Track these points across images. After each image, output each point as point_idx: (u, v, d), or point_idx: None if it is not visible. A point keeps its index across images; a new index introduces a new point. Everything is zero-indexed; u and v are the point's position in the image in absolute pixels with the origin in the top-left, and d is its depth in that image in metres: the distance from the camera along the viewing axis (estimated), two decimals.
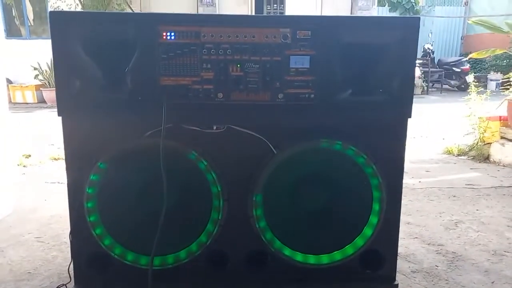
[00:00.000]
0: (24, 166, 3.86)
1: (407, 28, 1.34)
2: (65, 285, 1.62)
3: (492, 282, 1.84)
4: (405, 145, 1.46)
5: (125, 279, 1.45)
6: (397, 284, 1.54)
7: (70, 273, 1.49)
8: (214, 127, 1.40)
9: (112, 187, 1.41)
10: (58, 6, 9.14)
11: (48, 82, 9.07)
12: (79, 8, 9.18)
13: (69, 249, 2.01)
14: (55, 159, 4.12)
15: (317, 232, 1.50)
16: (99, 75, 1.35)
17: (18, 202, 2.77)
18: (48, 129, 5.97)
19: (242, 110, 1.39)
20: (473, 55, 4.32)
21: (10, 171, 2.81)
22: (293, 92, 1.38)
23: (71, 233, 1.45)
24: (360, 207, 1.48)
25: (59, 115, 1.37)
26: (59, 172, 3.60)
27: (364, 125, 1.42)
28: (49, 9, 9.65)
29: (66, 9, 9.16)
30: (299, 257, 1.49)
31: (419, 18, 1.40)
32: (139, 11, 9.03)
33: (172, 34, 1.33)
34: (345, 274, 1.52)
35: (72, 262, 1.46)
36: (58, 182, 3.34)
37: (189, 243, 1.46)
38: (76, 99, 1.35)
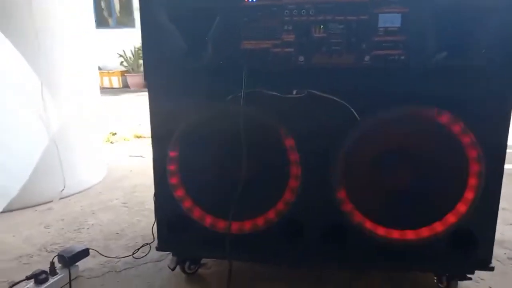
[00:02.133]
0: (111, 142, 4.16)
1: None
2: (149, 244, 1.71)
3: None
4: (510, 114, 1.28)
5: (204, 241, 1.48)
6: (493, 267, 1.39)
7: (153, 233, 1.56)
8: (294, 92, 1.35)
9: (193, 151, 1.43)
10: None
11: (132, 68, 9.68)
12: None
13: (152, 214, 2.13)
14: (138, 137, 4.39)
15: (403, 205, 1.39)
16: (183, 41, 1.36)
17: (106, 172, 2.99)
18: (131, 110, 6.39)
19: (324, 74, 1.32)
20: None
21: (99, 146, 3.05)
22: (381, 54, 1.27)
23: (155, 195, 1.51)
24: (455, 181, 1.34)
25: (145, 80, 1.42)
26: (142, 148, 3.83)
27: (462, 92, 1.27)
28: (134, 0, 10.20)
29: None
30: (381, 231, 1.40)
31: None
32: None
33: None
34: (433, 253, 1.39)
35: (155, 223, 1.52)
36: (141, 156, 3.56)
37: (267, 210, 1.44)
38: (162, 65, 1.39)
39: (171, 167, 1.45)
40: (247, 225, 1.46)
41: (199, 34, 1.36)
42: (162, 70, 1.41)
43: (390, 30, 1.26)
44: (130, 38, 9.65)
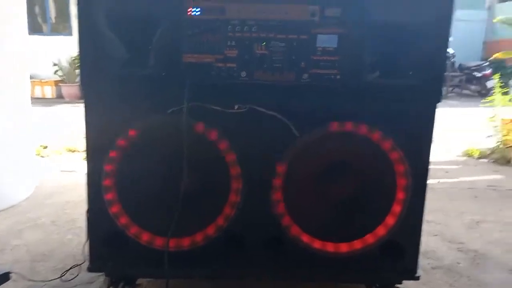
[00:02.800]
0: (41, 156, 3.89)
1: (441, 7, 1.29)
2: (80, 265, 1.61)
3: None
4: (433, 132, 1.40)
5: (140, 260, 1.42)
6: (419, 276, 1.48)
7: (84, 253, 1.47)
8: (236, 107, 1.37)
9: (131, 165, 1.38)
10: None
11: (67, 78, 9.20)
12: None
13: (83, 233, 2.02)
14: (71, 151, 4.17)
15: (337, 219, 1.45)
16: (123, 49, 1.33)
17: (34, 188, 2.79)
18: (65, 122, 6.04)
19: (265, 90, 1.35)
20: (498, 55, 4.20)
21: (28, 160, 2.84)
22: (319, 73, 1.34)
23: (87, 211, 1.43)
24: (383, 195, 1.43)
25: (81, 87, 1.36)
26: (75, 163, 3.64)
27: (392, 109, 1.36)
28: (71, 6, 9.78)
29: None
30: (317, 244, 1.44)
31: None
32: None
33: (198, 9, 1.30)
34: (364, 264, 1.46)
35: (87, 242, 1.44)
36: (74, 171, 3.37)
37: (206, 225, 1.42)
38: (100, 72, 1.34)
39: (107, 182, 1.39)
40: (186, 242, 1.43)
41: (140, 44, 1.34)
42: (100, 79, 1.35)
43: (327, 50, 1.32)
44: (66, 47, 9.21)
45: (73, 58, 9.28)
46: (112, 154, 1.37)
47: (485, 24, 12.86)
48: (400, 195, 1.42)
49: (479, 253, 2.04)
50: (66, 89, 9.13)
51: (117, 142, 1.36)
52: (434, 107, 1.37)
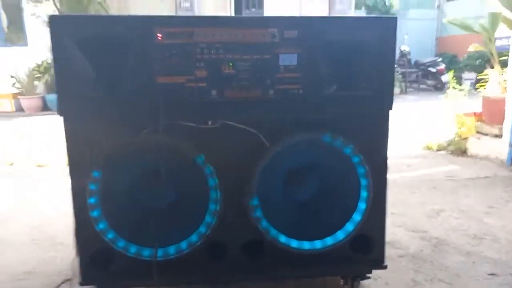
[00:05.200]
0: (9, 173, 3.83)
1: (386, 27, 1.45)
2: (69, 280, 1.67)
3: (473, 262, 1.98)
4: (388, 135, 1.56)
5: (130, 271, 1.50)
6: (386, 265, 1.64)
7: (74, 269, 1.53)
8: (209, 123, 1.48)
9: (113, 183, 1.46)
10: (34, 13, 9.01)
11: (26, 90, 8.95)
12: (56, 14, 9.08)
13: (66, 249, 2.07)
14: (39, 166, 4.11)
15: (310, 219, 1.59)
16: (97, 75, 1.41)
17: (6, 208, 2.77)
18: (28, 136, 5.91)
19: (235, 106, 1.47)
20: (473, 48, 4.54)
21: None
22: (283, 88, 1.47)
23: (74, 229, 1.50)
24: (349, 195, 1.58)
25: (60, 115, 1.43)
26: (46, 178, 3.61)
27: (350, 117, 1.51)
28: (25, 16, 9.51)
29: (42, 15, 9.03)
30: (294, 243, 1.57)
31: (397, 17, 1.51)
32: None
33: (166, 35, 1.40)
34: (337, 258, 1.60)
35: (75, 258, 1.50)
36: (45, 188, 3.36)
37: (189, 234, 1.52)
38: (76, 99, 1.41)
39: (91, 200, 1.46)
40: (172, 250, 1.52)
41: (114, 67, 1.42)
42: (76, 103, 1.42)
43: (289, 68, 1.46)
44: (22, 58, 8.95)
45: (31, 70, 9.05)
46: (95, 174, 1.44)
47: (436, 22, 13.54)
48: (364, 194, 1.57)
49: (440, 239, 2.23)
50: (26, 102, 8.87)
51: (98, 163, 1.43)
52: (388, 113, 1.53)
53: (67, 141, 1.44)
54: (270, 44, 1.44)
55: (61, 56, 1.38)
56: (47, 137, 5.95)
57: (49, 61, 9.41)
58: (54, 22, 1.37)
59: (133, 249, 1.50)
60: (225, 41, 1.43)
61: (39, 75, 9.26)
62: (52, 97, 9.07)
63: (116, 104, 1.43)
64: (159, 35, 1.41)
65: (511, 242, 2.17)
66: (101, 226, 1.47)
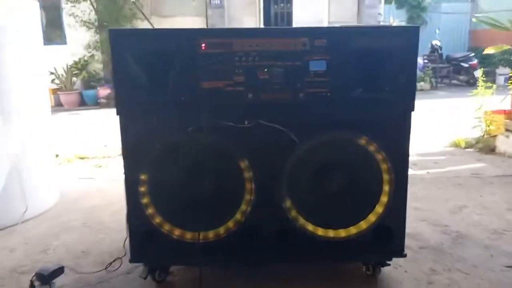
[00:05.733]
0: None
1: (408, 35, 1.59)
2: (121, 258, 1.90)
3: (491, 255, 2.08)
4: (409, 134, 1.69)
5: (174, 251, 1.72)
6: (406, 254, 1.78)
7: (125, 247, 1.76)
8: (246, 122, 1.66)
9: (161, 175, 1.68)
10: (73, 13, 9.47)
11: (65, 85, 9.44)
12: (92, 14, 9.51)
13: (113, 233, 2.32)
14: (81, 158, 4.43)
15: (336, 210, 1.75)
16: (150, 82, 1.62)
17: (59, 195, 3.07)
18: (70, 130, 6.31)
19: (269, 107, 1.65)
20: (489, 49, 4.49)
21: (53, 168, 3.12)
22: (312, 91, 1.63)
23: (127, 213, 1.72)
24: (373, 189, 1.73)
25: (117, 114, 1.65)
26: (88, 169, 3.91)
27: (374, 118, 1.66)
28: (64, 15, 9.98)
29: (80, 15, 9.48)
30: (320, 231, 1.74)
31: (419, 27, 1.64)
32: (150, 15, 9.36)
33: (209, 45, 1.59)
34: (360, 246, 1.76)
35: (127, 238, 1.73)
36: (91, 178, 3.65)
37: (227, 220, 1.72)
38: (132, 101, 1.63)
39: (142, 189, 1.68)
40: (211, 234, 1.72)
41: (164, 74, 1.63)
42: (132, 106, 1.64)
43: (318, 73, 1.62)
44: (60, 55, 9.43)
45: (70, 66, 9.54)
46: (146, 166, 1.66)
47: (469, 15, 13.18)
48: (386, 188, 1.72)
49: (460, 234, 2.34)
50: (65, 97, 9.36)
51: (149, 156, 1.65)
52: (409, 115, 1.67)
53: (122, 137, 1.67)
54: (301, 52, 1.60)
55: (119, 64, 1.60)
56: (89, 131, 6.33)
57: (86, 58, 9.92)
58: (113, 35, 1.58)
59: (177, 232, 1.71)
60: (260, 50, 1.60)
61: (76, 71, 9.77)
62: (89, 93, 9.57)
63: (165, 106, 1.64)
64: (203, 45, 1.60)
65: None
66: (150, 211, 1.69)
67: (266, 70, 1.62)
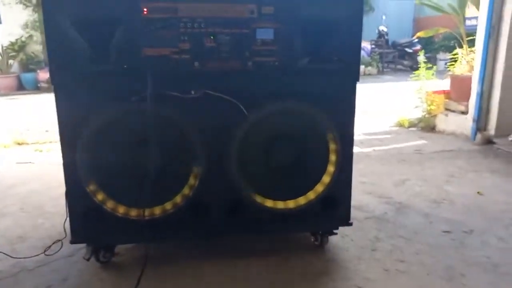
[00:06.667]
0: None
1: (354, 4, 1.60)
2: (61, 240, 1.79)
3: (430, 222, 2.20)
4: (355, 104, 1.72)
5: (117, 230, 1.64)
6: (351, 223, 1.83)
7: (65, 229, 1.65)
8: (193, 92, 1.60)
9: (103, 148, 1.58)
10: None
11: (0, 69, 8.77)
12: None
13: (54, 217, 2.19)
14: (19, 143, 4.15)
15: (284, 181, 1.75)
16: (89, 48, 1.50)
17: None
18: (7, 116, 5.88)
19: (216, 76, 1.60)
20: (420, 34, 4.70)
21: None
22: (260, 60, 1.60)
23: (66, 192, 1.61)
24: (319, 159, 1.74)
25: (51, 83, 1.52)
26: (28, 154, 3.67)
27: (321, 87, 1.66)
28: None
29: None
30: (269, 203, 1.73)
31: None
32: None
33: (152, 10, 1.51)
34: (308, 216, 1.78)
35: (67, 219, 1.63)
36: (30, 162, 3.42)
37: (174, 195, 1.66)
38: (67, 70, 1.51)
39: (82, 163, 1.58)
40: (157, 211, 1.66)
41: (103, 42, 1.52)
42: (67, 75, 1.52)
43: (266, 41, 1.59)
44: None
45: (5, 48, 8.85)
46: (85, 139, 1.55)
47: (413, 3, 13.76)
48: (333, 158, 1.74)
49: (402, 204, 2.45)
50: (0, 81, 8.72)
51: (89, 129, 1.55)
52: (355, 84, 1.69)
53: (57, 108, 1.55)
54: (249, 19, 1.56)
55: (52, 30, 1.47)
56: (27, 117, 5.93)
57: (24, 39, 9.22)
58: None
59: (121, 210, 1.63)
60: (207, 16, 1.54)
61: (13, 53, 9.07)
62: (27, 76, 8.94)
63: (106, 74, 1.53)
64: (145, 9, 1.51)
65: (466, 206, 2.40)
66: (91, 188, 1.59)
67: (212, 37, 1.57)
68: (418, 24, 13.73)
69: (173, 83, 1.58)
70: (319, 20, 1.60)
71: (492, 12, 3.67)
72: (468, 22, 4.71)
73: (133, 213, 1.65)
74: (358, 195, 2.52)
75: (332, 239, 1.93)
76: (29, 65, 9.18)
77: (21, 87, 8.92)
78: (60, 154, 1.57)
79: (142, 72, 1.53)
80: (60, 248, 1.81)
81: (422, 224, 2.17)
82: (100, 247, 1.72)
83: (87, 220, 1.62)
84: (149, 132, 1.55)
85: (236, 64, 1.59)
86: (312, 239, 1.93)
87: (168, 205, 1.67)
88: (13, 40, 9.09)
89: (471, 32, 4.45)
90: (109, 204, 1.63)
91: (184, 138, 1.63)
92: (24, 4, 8.98)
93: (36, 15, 9.06)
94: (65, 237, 1.76)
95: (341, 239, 1.99)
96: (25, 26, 9.22)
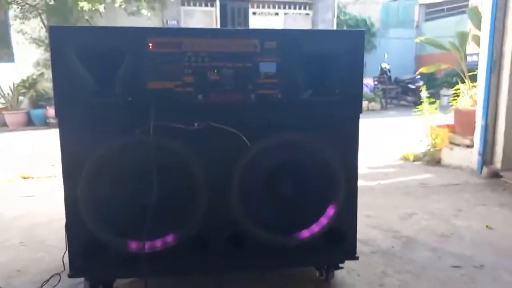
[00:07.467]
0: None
1: (355, 39, 1.64)
2: (59, 274, 1.75)
3: (439, 257, 2.13)
4: (358, 135, 1.72)
5: (118, 263, 1.61)
6: (358, 257, 1.78)
7: (64, 262, 1.62)
8: (196, 124, 1.62)
9: (105, 179, 1.58)
10: (21, 30, 9.12)
11: (11, 105, 8.96)
12: (43, 31, 9.20)
13: (55, 251, 2.16)
14: (25, 178, 4.17)
15: (287, 214, 1.72)
16: (94, 81, 1.54)
17: None
18: (14, 151, 5.94)
19: (219, 109, 1.62)
20: (422, 70, 4.78)
21: None
22: (263, 93, 1.63)
23: (66, 224, 1.60)
24: (323, 190, 1.72)
25: (56, 116, 1.55)
26: (32, 188, 3.68)
27: (324, 119, 1.67)
28: (12, 33, 9.59)
29: (30, 32, 9.17)
30: (272, 236, 1.69)
31: (364, 31, 1.70)
32: None
33: (157, 44, 1.55)
34: (313, 250, 1.74)
35: (66, 252, 1.60)
36: (34, 196, 3.42)
37: (176, 228, 1.64)
38: (72, 103, 1.54)
39: (83, 195, 1.57)
40: (158, 243, 1.63)
41: (109, 75, 1.56)
42: (72, 108, 1.55)
43: (269, 75, 1.62)
44: (7, 73, 9.00)
45: (16, 85, 9.08)
46: (87, 171, 1.55)
47: (415, 41, 14.11)
48: (337, 190, 1.72)
49: (409, 238, 2.39)
50: (10, 117, 8.89)
51: (91, 161, 1.55)
52: (358, 116, 1.70)
53: (61, 140, 1.56)
54: (252, 53, 1.60)
55: (59, 63, 1.52)
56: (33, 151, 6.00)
57: (35, 76, 9.49)
58: (53, 32, 1.50)
59: (121, 243, 1.61)
60: (210, 50, 1.58)
61: (24, 90, 9.31)
62: (37, 112, 9.12)
63: (110, 106, 1.56)
64: (151, 44, 1.56)
65: (475, 240, 2.34)
66: (91, 220, 1.58)
67: (216, 71, 1.60)
68: (420, 61, 13.99)
69: (177, 116, 1.59)
70: (321, 54, 1.64)
71: (493, 48, 3.74)
72: (469, 59, 4.79)
73: (134, 246, 1.62)
74: (364, 229, 2.47)
75: (338, 273, 1.88)
76: (38, 101, 9.38)
77: (30, 123, 9.06)
78: (62, 186, 1.57)
79: (146, 104, 1.56)
80: (58, 282, 1.77)
81: (431, 258, 2.11)
82: (98, 281, 1.68)
83: (86, 253, 1.59)
84: (151, 164, 1.55)
85: (239, 96, 1.62)
86: (318, 274, 1.88)
87: (169, 238, 1.65)
88: (24, 78, 9.35)
89: (473, 68, 4.52)
90: (109, 237, 1.60)
91: (186, 170, 1.62)
92: (37, 44, 9.29)
93: (47, 54, 9.35)
94: (63, 270, 1.72)
95: (347, 274, 1.93)
96: (37, 64, 9.50)
